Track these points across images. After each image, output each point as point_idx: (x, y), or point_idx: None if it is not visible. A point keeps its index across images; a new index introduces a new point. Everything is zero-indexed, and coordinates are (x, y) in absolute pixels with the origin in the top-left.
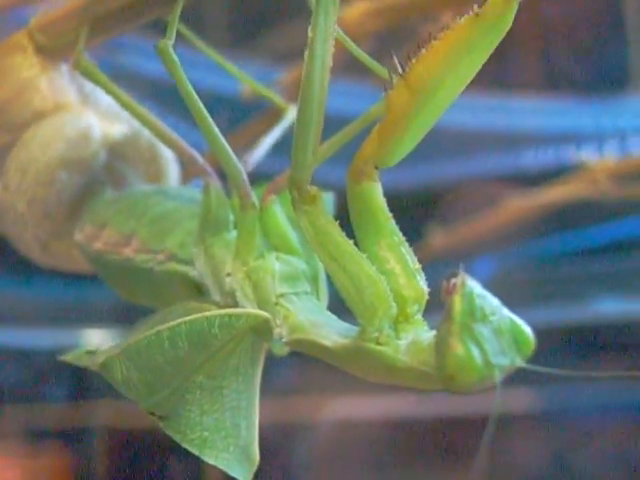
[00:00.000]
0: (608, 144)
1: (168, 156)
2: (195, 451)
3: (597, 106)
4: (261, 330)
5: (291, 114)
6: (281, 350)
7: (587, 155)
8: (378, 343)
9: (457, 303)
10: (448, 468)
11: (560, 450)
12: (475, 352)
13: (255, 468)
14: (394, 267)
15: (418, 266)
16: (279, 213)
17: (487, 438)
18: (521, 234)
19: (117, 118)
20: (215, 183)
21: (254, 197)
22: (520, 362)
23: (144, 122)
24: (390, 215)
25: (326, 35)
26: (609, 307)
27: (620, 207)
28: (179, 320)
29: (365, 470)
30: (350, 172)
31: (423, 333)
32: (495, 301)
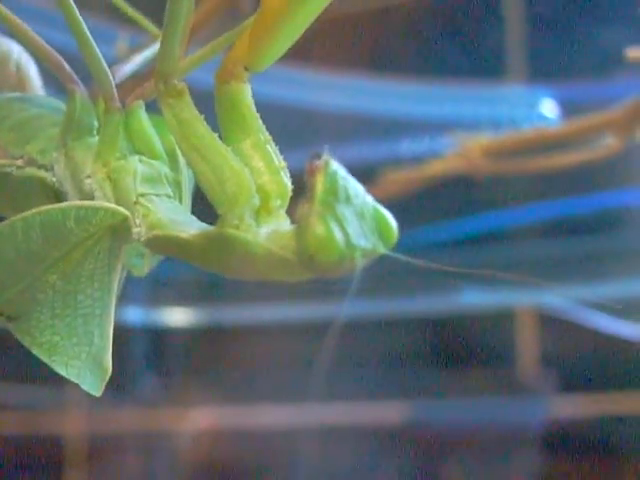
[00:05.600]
0: (484, 131)
1: (32, 73)
2: (44, 357)
3: (474, 94)
4: (119, 229)
5: None
6: (140, 271)
7: (462, 135)
8: (239, 230)
9: (320, 183)
10: None
11: (427, 464)
12: (336, 231)
13: (107, 378)
14: (258, 163)
15: (284, 164)
16: (144, 118)
17: (331, 341)
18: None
19: None
20: (81, 89)
21: (118, 102)
22: (382, 248)
23: (9, 24)
24: (257, 115)
25: None
26: (473, 298)
27: (489, 199)
28: (34, 210)
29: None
30: (218, 73)
31: (285, 224)
32: (359, 186)
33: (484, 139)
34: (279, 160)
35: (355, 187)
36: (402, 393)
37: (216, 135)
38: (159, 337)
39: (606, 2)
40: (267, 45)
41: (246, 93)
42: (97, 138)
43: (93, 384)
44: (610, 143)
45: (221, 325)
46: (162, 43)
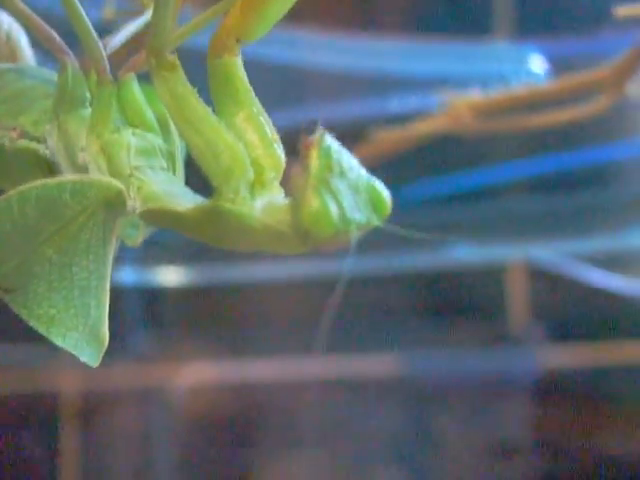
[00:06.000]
0: (472, 89)
1: (23, 44)
2: (42, 329)
3: (462, 51)
4: (114, 202)
5: None
6: (134, 241)
7: (451, 94)
8: (233, 204)
9: (314, 157)
10: (292, 436)
11: (420, 415)
12: (331, 205)
13: (104, 349)
14: (252, 136)
15: (277, 136)
16: (137, 90)
17: (334, 302)
18: (380, 179)
19: None
20: (72, 61)
21: (110, 74)
22: (376, 221)
23: None
24: (250, 88)
25: None
26: (464, 254)
27: (478, 155)
28: (30, 184)
29: (220, 435)
30: (211, 45)
31: (280, 197)
32: (353, 160)
33: (473, 98)
34: (272, 132)
35: (349, 161)
36: (394, 345)
37: (209, 109)
38: (154, 296)
39: None
40: (259, 15)
41: (239, 66)
42: (90, 110)
43: (91, 355)
44: (599, 100)
45: (215, 283)
46: (153, 17)
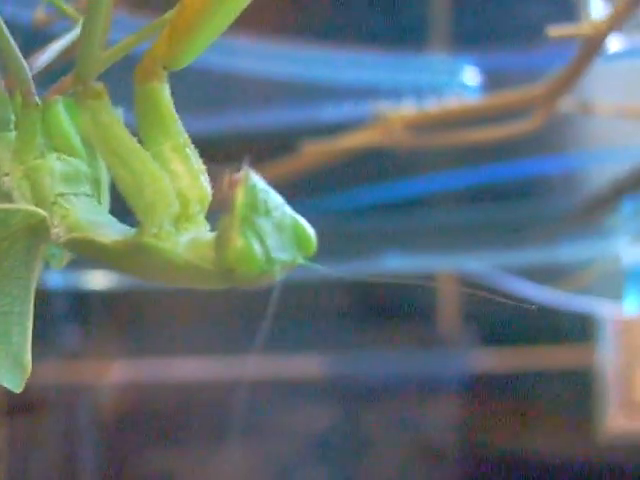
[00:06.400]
0: (406, 99)
1: None
2: None
3: (397, 61)
4: (38, 229)
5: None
6: (58, 263)
7: (385, 107)
8: (157, 239)
9: (239, 195)
10: (217, 435)
11: (347, 415)
12: (256, 245)
13: (27, 376)
14: (178, 168)
15: (203, 167)
16: (63, 114)
17: (271, 307)
18: (313, 187)
19: None
20: None
21: (36, 96)
22: (301, 260)
23: None
24: (177, 117)
25: None
26: (396, 263)
27: (410, 165)
28: None
29: (148, 432)
30: (137, 72)
31: (204, 232)
32: (278, 197)
33: (406, 111)
34: (198, 164)
35: (274, 199)
36: (325, 348)
37: (135, 138)
38: (81, 297)
39: None
40: (187, 43)
41: (165, 93)
42: (14, 133)
43: (13, 381)
44: (532, 117)
45: (142, 286)
46: (80, 44)
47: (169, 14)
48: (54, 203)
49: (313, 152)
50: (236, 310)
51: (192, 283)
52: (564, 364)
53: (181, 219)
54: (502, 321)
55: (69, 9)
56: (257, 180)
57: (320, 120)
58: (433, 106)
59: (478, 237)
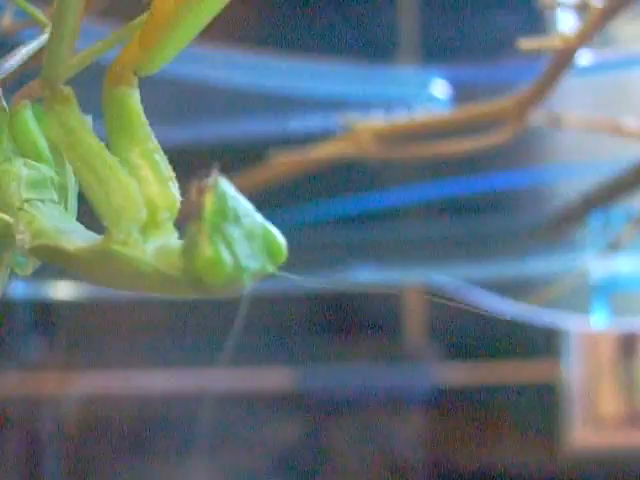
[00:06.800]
0: (375, 111)
1: None
2: None
3: (366, 73)
4: (3, 235)
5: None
6: (24, 270)
7: (354, 118)
8: (124, 246)
9: (208, 202)
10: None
11: (314, 428)
12: (225, 253)
13: None
14: (147, 174)
15: (172, 174)
16: (30, 119)
17: (239, 320)
18: (282, 198)
19: None
20: None
21: (3, 101)
22: (271, 269)
23: None
24: (146, 122)
25: None
26: (365, 275)
27: (378, 178)
28: None
29: (109, 443)
30: (108, 76)
31: (173, 239)
32: (248, 205)
33: (376, 122)
34: (167, 170)
35: (244, 207)
36: (292, 360)
37: (103, 144)
38: (46, 308)
39: None
40: (157, 49)
41: (135, 98)
42: None
43: None
44: (502, 130)
45: (107, 297)
46: (48, 48)
47: (138, 20)
48: (20, 209)
49: (283, 163)
50: (203, 322)
51: (159, 291)
52: (530, 378)
53: (149, 226)
54: (468, 335)
55: (38, 14)
56: (227, 187)
57: (289, 131)
58: (403, 117)
59: (447, 250)
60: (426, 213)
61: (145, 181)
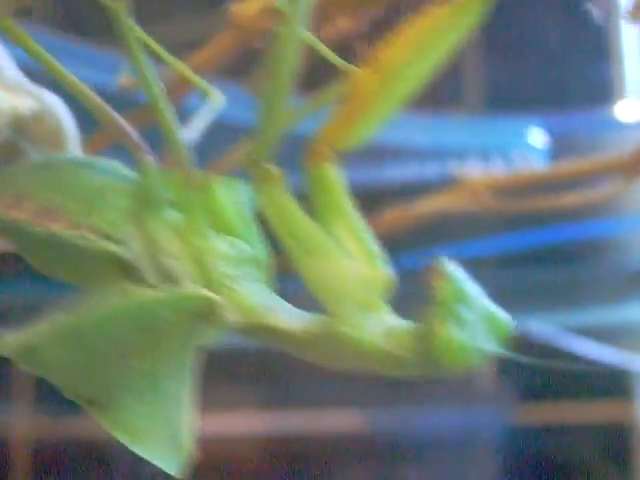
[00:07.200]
0: (490, 161)
1: (71, 134)
2: (126, 441)
3: (462, 122)
4: (205, 313)
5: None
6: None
7: (469, 169)
8: (353, 329)
9: (440, 287)
10: None
11: (387, 471)
12: (461, 336)
13: (188, 459)
14: (359, 252)
15: (380, 250)
16: (224, 196)
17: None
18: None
19: (22, 91)
20: (149, 159)
21: (199, 176)
22: (501, 350)
23: (73, 88)
24: (349, 197)
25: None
26: None
27: (474, 225)
28: (126, 300)
29: None
30: (309, 155)
31: (394, 318)
32: (476, 287)
33: (490, 174)
34: (374, 246)
35: (473, 289)
36: (364, 403)
37: (315, 223)
38: None
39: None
40: (359, 126)
41: (337, 175)
42: (172, 212)
43: (174, 466)
44: (616, 183)
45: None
46: (259, 130)
47: (329, 93)
48: (222, 285)
49: (395, 217)
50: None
51: (385, 369)
52: (602, 419)
53: (365, 305)
54: (542, 376)
55: (211, 91)
56: (457, 271)
57: (405, 181)
58: (521, 170)
59: (544, 297)
60: (513, 261)
61: (358, 259)
